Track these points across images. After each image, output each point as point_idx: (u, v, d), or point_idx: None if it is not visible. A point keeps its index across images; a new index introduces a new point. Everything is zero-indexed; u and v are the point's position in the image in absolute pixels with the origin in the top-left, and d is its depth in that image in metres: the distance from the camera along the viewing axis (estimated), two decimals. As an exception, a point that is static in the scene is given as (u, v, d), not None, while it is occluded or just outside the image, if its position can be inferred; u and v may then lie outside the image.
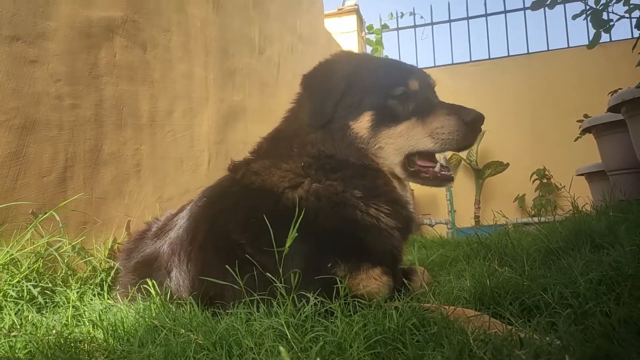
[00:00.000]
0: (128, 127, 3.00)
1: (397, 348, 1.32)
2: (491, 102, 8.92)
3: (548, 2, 2.99)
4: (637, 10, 2.88)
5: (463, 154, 8.81)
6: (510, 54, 9.23)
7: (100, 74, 2.84)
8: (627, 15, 2.91)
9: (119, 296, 2.16)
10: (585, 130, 4.97)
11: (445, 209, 8.92)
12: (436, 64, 9.71)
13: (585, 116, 5.22)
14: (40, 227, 2.31)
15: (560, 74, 8.47)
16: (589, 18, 3.06)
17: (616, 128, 4.28)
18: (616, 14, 3.03)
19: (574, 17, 3.13)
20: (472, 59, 9.43)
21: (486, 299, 1.70)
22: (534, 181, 8.23)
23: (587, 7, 3.04)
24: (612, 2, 2.93)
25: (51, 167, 2.49)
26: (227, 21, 4.39)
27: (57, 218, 2.27)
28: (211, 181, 3.87)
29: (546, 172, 8.11)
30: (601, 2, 2.99)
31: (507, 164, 8.44)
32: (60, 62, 2.59)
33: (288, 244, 1.59)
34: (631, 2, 2.82)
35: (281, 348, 0.73)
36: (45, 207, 2.40)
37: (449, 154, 8.99)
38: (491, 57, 9.35)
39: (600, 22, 3.02)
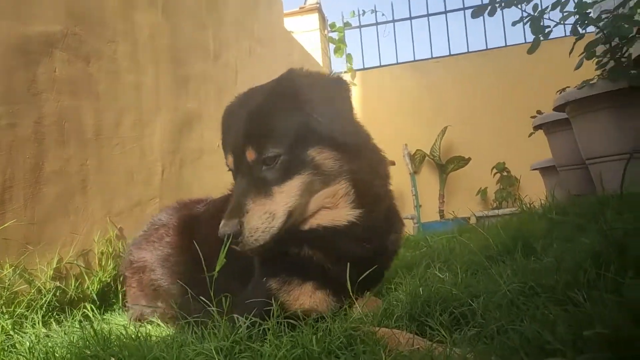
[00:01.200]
0: (71, 143, 2.95)
1: (320, 371, 1.35)
2: (452, 98, 9.08)
3: (488, 10, 3.06)
4: (572, 17, 2.98)
5: (426, 150, 8.94)
6: (470, 50, 9.40)
7: (39, 91, 2.78)
8: (562, 22, 3.01)
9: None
10: (537, 127, 5.12)
11: (412, 204, 9.06)
12: (398, 61, 9.82)
13: (539, 112, 5.36)
14: (-24, 252, 2.26)
15: (517, 69, 8.67)
16: (528, 24, 3.15)
17: (564, 126, 4.41)
18: (553, 20, 3.12)
19: (514, 23, 3.22)
20: (433, 56, 9.57)
21: (417, 312, 1.74)
22: (494, 174, 8.43)
23: (526, 14, 3.13)
24: (548, 10, 3.02)
25: (-12, 190, 2.43)
26: (178, 27, 4.34)
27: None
28: (165, 192, 3.86)
29: (506, 166, 8.32)
30: (538, 9, 3.08)
31: (469, 159, 8.62)
32: (-6, 82, 2.52)
33: (217, 268, 1.61)
34: (565, 9, 2.91)
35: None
36: (-17, 231, 2.34)
37: (412, 149, 9.12)
38: (452, 53, 9.50)
39: (538, 28, 3.11)
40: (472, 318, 1.60)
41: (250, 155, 1.71)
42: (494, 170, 8.40)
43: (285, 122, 1.72)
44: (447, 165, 8.87)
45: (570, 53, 3.27)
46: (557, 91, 4.44)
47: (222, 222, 1.65)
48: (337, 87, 1.86)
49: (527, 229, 2.64)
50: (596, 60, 3.43)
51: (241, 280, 1.91)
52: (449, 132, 8.79)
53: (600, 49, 3.32)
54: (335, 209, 1.81)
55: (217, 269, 1.58)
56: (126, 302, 2.60)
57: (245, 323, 1.62)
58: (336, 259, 1.80)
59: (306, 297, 1.78)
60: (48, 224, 2.74)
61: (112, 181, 3.28)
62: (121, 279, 2.80)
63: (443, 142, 8.86)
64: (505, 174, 8.38)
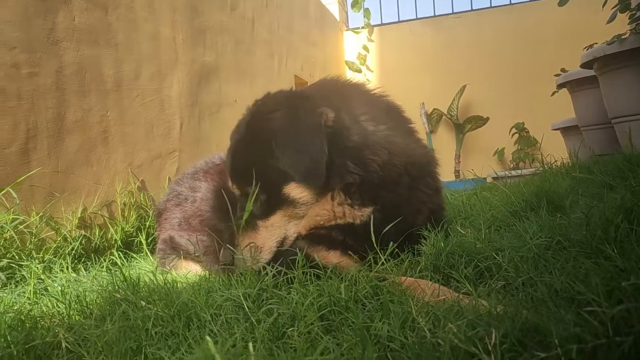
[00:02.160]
0: (92, 93, 2.94)
1: (347, 318, 1.36)
2: (472, 55, 8.83)
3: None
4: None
5: (444, 109, 8.79)
6: (493, 4, 9.06)
7: (59, 39, 2.75)
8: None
9: None
10: (561, 86, 4.98)
11: (426, 164, 8.98)
12: (418, 16, 9.52)
13: (563, 70, 5.20)
14: (4, 200, 2.30)
15: (541, 25, 8.36)
16: (561, -27, 3.00)
17: (589, 84, 4.29)
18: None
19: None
20: (454, 11, 9.25)
21: (441, 264, 1.74)
22: (513, 135, 8.29)
23: (559, -37, 2.98)
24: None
25: (12, 139, 2.44)
26: (195, -24, 4.23)
27: (14, 195, 2.26)
28: (184, 146, 3.86)
29: (525, 126, 8.17)
30: (573, -43, 2.93)
31: (487, 118, 8.46)
32: (14, 29, 2.49)
33: (245, 217, 1.62)
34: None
35: (208, 338, 0.75)
36: (9, 179, 2.37)
37: (429, 108, 8.96)
38: (473, 8, 9.18)
39: (571, -23, 2.96)
40: (497, 271, 1.60)
41: (237, 191, 1.87)
42: (513, 131, 8.25)
43: (262, 164, 1.76)
44: (464, 125, 8.73)
45: (603, 5, 3.13)
46: (585, 47, 4.28)
47: (222, 251, 1.81)
48: (305, 122, 1.75)
49: (551, 187, 2.61)
50: (630, 13, 3.28)
51: None
52: (467, 90, 8.60)
53: (635, 0, 3.17)
54: (343, 217, 1.83)
55: (245, 217, 1.59)
56: (156, 245, 2.62)
57: (271, 271, 1.65)
58: (355, 240, 1.82)
59: (335, 257, 1.79)
60: (72, 174, 2.77)
61: (133, 133, 3.28)
62: (155, 216, 2.79)
63: (461, 101, 8.69)
64: (524, 134, 8.24)
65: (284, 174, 1.74)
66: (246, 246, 1.77)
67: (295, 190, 1.76)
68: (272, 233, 1.80)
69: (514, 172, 6.15)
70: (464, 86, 8.57)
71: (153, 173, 3.43)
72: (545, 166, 3.67)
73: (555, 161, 3.71)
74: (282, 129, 1.74)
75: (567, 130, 5.52)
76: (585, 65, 3.87)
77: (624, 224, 1.46)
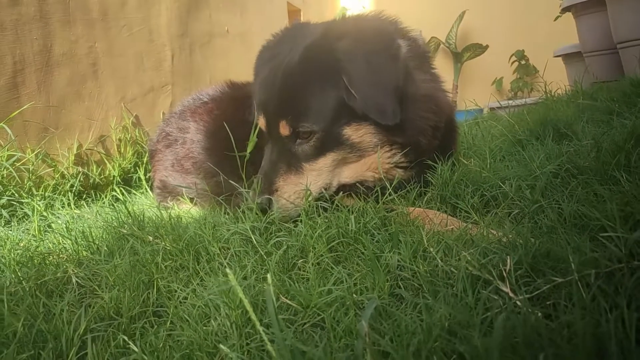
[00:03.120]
0: (78, 23, 2.78)
1: (357, 249, 1.36)
2: (472, -22, 8.44)
3: None
4: None
5: (442, 37, 8.52)
6: None
7: (38, -36, 2.56)
8: None
9: None
10: (565, 10, 4.80)
11: (423, 95, 8.83)
12: (416, -63, 8.98)
13: (567, -7, 4.99)
14: (-3, 136, 2.24)
15: (546, -56, 7.92)
16: None
17: (595, 7, 4.13)
18: None
19: None
20: None
21: (448, 195, 1.72)
22: (512, 63, 8.10)
23: None
24: None
25: (-1, 72, 2.34)
26: None
27: (9, 131, 2.18)
28: (177, 78, 3.74)
29: (525, 54, 7.96)
30: None
31: (486, 46, 8.22)
32: (-12, -48, 2.31)
33: (249, 149, 1.58)
34: None
35: (228, 270, 0.74)
36: (0, 115, 2.29)
37: (427, 37, 8.67)
38: None
39: None
40: (503, 200, 1.59)
41: (284, 129, 1.58)
42: (513, 59, 8.05)
43: (322, 98, 1.55)
44: (462, 54, 8.50)
45: None
46: (593, -32, 4.08)
47: (251, 195, 1.59)
48: (381, 54, 1.56)
49: (556, 115, 2.56)
50: None
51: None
52: (466, 17, 8.29)
53: None
54: (378, 175, 1.67)
55: (249, 149, 1.55)
56: (153, 181, 2.56)
57: (277, 206, 1.63)
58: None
59: (348, 201, 1.75)
60: (63, 109, 2.68)
61: (123, 66, 3.15)
62: (148, 156, 2.69)
63: (460, 28, 8.40)
64: (524, 62, 8.04)
65: (347, 111, 1.54)
66: (294, 192, 1.60)
67: (358, 132, 1.57)
68: (318, 178, 1.62)
69: (517, 102, 6.06)
70: (463, 12, 8.26)
71: (147, 107, 3.34)
72: (548, 94, 3.61)
73: (558, 89, 3.64)
74: (354, 58, 1.52)
75: (569, 57, 5.39)
76: (594, -14, 3.70)
77: (638, 150, 1.43)
